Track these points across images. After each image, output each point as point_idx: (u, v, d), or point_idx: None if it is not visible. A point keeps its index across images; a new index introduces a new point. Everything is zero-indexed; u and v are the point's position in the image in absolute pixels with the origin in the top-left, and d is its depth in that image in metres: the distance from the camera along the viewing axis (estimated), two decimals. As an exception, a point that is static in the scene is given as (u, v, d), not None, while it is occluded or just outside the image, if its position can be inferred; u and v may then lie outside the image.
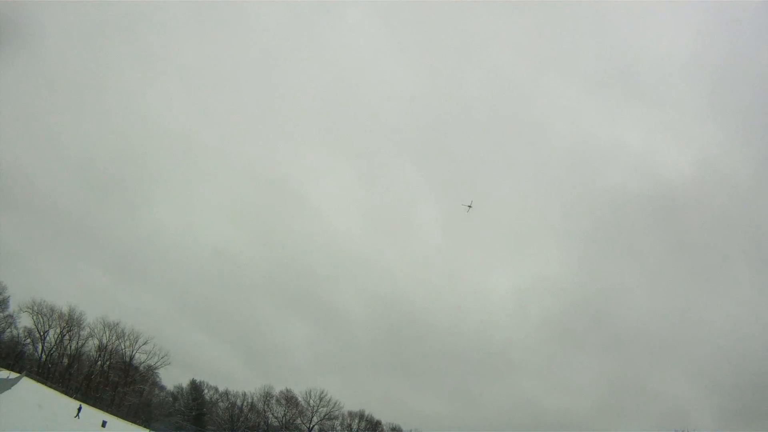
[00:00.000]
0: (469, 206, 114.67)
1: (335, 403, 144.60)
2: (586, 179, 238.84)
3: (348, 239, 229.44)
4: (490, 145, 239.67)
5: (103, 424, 64.89)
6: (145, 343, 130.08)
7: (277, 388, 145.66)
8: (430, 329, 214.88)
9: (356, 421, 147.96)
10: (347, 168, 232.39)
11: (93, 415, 71.30)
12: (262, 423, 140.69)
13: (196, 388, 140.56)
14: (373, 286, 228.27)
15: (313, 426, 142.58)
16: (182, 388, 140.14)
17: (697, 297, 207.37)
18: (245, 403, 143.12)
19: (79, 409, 66.24)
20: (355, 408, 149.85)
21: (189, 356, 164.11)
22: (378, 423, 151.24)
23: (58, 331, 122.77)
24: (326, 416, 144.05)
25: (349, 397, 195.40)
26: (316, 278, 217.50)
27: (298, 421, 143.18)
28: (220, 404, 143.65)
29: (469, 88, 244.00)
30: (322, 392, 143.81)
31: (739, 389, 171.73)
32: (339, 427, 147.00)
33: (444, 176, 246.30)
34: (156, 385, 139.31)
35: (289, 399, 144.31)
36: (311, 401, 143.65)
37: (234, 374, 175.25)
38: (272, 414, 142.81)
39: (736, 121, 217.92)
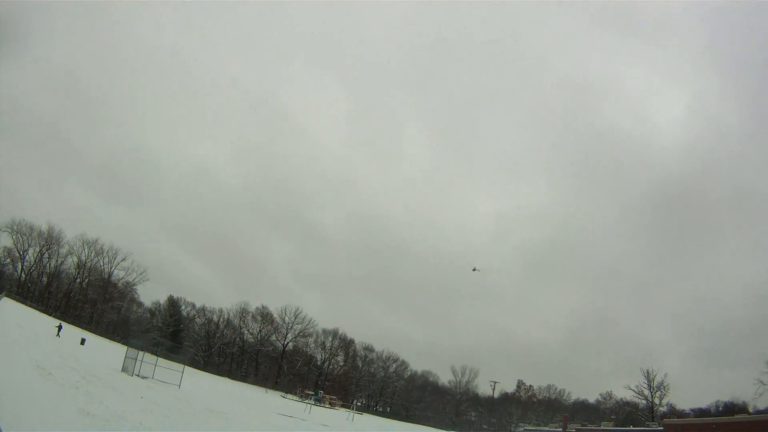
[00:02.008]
0: (475, 269, 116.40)
1: (310, 321, 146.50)
2: (580, 115, 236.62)
3: (333, 159, 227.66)
4: (486, 75, 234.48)
5: (82, 341, 66.07)
6: (123, 260, 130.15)
7: (254, 305, 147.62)
8: (411, 253, 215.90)
9: (330, 338, 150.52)
10: (335, 87, 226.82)
11: (72, 333, 74.22)
12: (238, 339, 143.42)
13: (173, 304, 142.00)
14: (356, 207, 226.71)
15: (288, 343, 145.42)
16: (160, 305, 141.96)
17: (676, 242, 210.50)
18: (222, 320, 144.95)
19: (60, 327, 67.68)
20: (330, 326, 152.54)
21: (167, 273, 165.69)
22: (351, 341, 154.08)
23: (37, 249, 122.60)
24: (300, 333, 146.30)
25: (325, 315, 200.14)
26: (299, 197, 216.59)
27: (273, 337, 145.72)
28: (197, 320, 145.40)
29: (467, 16, 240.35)
30: (298, 309, 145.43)
31: (709, 334, 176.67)
32: (313, 345, 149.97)
33: (436, 101, 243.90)
34: (134, 301, 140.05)
35: (264, 316, 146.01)
36: (286, 318, 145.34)
37: (212, 291, 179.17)
38: (248, 330, 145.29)
39: (732, 69, 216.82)
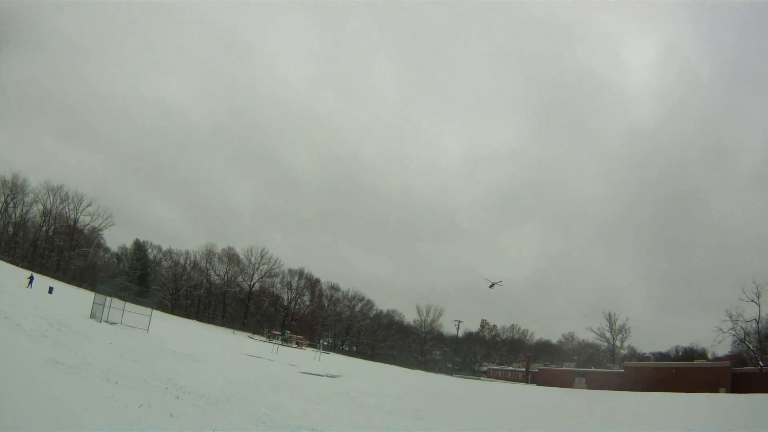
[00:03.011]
0: (493, 284, 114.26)
1: (276, 261, 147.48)
2: (552, 54, 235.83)
3: (301, 95, 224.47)
4: (458, 13, 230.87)
5: (50, 290, 65.62)
6: (89, 205, 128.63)
7: (220, 246, 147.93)
8: (378, 191, 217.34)
9: (296, 278, 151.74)
10: (304, 23, 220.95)
11: (40, 282, 73.60)
12: (205, 281, 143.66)
13: (139, 248, 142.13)
14: (324, 145, 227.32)
15: (254, 283, 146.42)
16: (126, 249, 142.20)
17: (644, 188, 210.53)
18: (188, 262, 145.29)
19: (31, 278, 67.22)
20: (296, 266, 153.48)
21: (133, 216, 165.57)
22: (317, 281, 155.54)
23: (2, 199, 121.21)
24: (267, 274, 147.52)
25: (291, 255, 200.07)
26: (266, 135, 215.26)
27: (240, 278, 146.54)
28: (164, 263, 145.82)
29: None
30: (264, 250, 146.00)
31: (672, 280, 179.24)
32: (279, 285, 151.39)
33: (407, 39, 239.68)
34: (101, 247, 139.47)
35: (231, 257, 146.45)
36: (252, 259, 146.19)
37: (178, 233, 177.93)
38: (214, 272, 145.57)
39: (706, 15, 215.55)
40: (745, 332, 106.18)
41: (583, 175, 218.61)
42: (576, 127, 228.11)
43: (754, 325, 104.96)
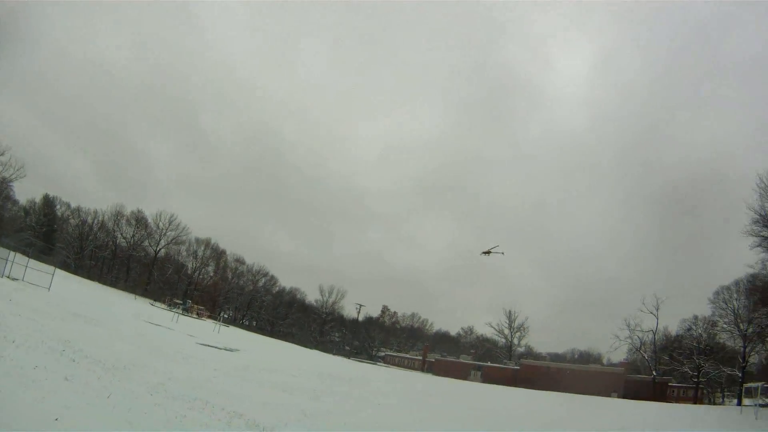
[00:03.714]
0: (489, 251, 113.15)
1: (184, 228, 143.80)
2: (482, 50, 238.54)
3: (230, 63, 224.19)
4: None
5: None
6: (1, 155, 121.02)
7: (130, 208, 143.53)
8: (295, 167, 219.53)
9: (202, 248, 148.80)
10: None
11: None
12: (111, 243, 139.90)
13: (48, 203, 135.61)
14: (246, 116, 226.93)
15: (160, 249, 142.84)
16: (35, 203, 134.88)
17: (562, 193, 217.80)
18: (96, 222, 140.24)
19: None
20: (203, 235, 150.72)
21: (46, 170, 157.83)
22: (223, 252, 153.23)
23: None
24: (173, 240, 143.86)
25: (199, 223, 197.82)
26: (189, 99, 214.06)
27: (146, 243, 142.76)
28: (72, 221, 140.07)
29: None
30: (173, 216, 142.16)
31: (575, 285, 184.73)
32: (185, 253, 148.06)
33: (341, 20, 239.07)
34: (9, 199, 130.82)
35: (139, 220, 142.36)
36: (161, 224, 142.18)
37: (89, 191, 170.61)
38: (121, 234, 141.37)
39: (642, 30, 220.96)
40: (641, 341, 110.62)
41: (500, 172, 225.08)
42: (498, 124, 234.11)
43: (650, 335, 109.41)
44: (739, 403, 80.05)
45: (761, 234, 66.68)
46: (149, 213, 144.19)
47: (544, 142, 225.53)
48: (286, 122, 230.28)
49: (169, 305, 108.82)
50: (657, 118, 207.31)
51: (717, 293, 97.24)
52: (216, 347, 47.82)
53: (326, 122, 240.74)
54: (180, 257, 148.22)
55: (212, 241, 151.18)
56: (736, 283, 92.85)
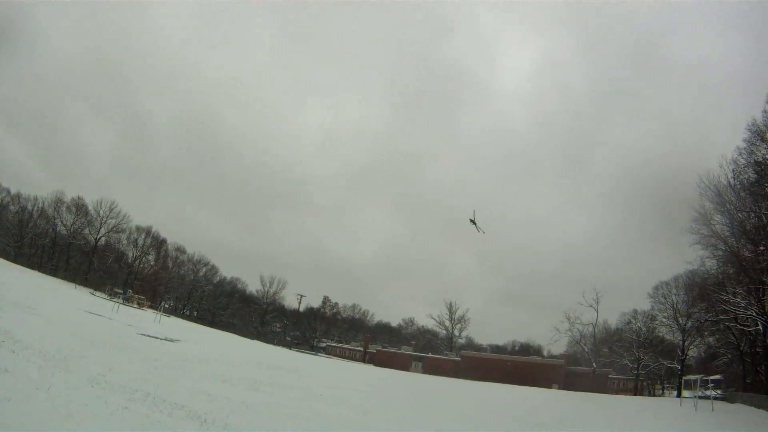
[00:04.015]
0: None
1: (125, 216, 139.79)
2: (429, 43, 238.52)
3: (172, 46, 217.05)
4: None
5: None
6: None
7: (70, 195, 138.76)
8: (236, 154, 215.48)
9: (143, 236, 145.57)
10: None
11: None
12: (51, 230, 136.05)
13: None
14: (188, 101, 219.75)
15: (100, 237, 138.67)
16: None
17: (500, 188, 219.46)
18: (36, 209, 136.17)
19: None
20: (144, 223, 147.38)
21: None
22: (164, 241, 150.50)
23: None
24: (114, 228, 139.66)
25: (140, 211, 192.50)
26: (129, 82, 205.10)
27: (86, 231, 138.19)
28: (11, 208, 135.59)
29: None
30: (113, 203, 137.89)
31: (516, 278, 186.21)
32: (125, 241, 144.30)
33: (290, 5, 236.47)
34: None
35: (79, 207, 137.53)
36: (101, 211, 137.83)
37: (30, 176, 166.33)
38: (61, 222, 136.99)
39: (587, 34, 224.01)
40: (581, 334, 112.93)
41: (441, 165, 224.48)
42: (441, 118, 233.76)
43: (590, 328, 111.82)
44: (679, 395, 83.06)
45: (700, 232, 68.98)
46: (90, 200, 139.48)
47: (486, 138, 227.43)
48: (228, 108, 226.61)
49: (110, 295, 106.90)
50: (599, 117, 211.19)
51: (656, 288, 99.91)
52: (157, 338, 47.49)
53: (269, 108, 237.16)
54: (121, 246, 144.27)
55: (153, 230, 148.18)
56: (676, 279, 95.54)
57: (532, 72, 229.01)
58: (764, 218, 56.83)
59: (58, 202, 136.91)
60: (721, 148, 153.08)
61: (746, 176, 61.14)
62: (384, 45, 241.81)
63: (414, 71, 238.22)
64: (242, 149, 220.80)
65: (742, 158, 60.15)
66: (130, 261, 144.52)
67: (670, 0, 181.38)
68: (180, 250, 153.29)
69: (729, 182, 64.13)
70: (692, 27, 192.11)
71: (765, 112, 51.99)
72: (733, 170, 62.83)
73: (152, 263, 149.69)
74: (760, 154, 54.88)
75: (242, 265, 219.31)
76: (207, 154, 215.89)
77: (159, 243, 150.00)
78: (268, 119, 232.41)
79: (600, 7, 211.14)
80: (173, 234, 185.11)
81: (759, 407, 52.13)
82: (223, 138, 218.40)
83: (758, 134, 53.85)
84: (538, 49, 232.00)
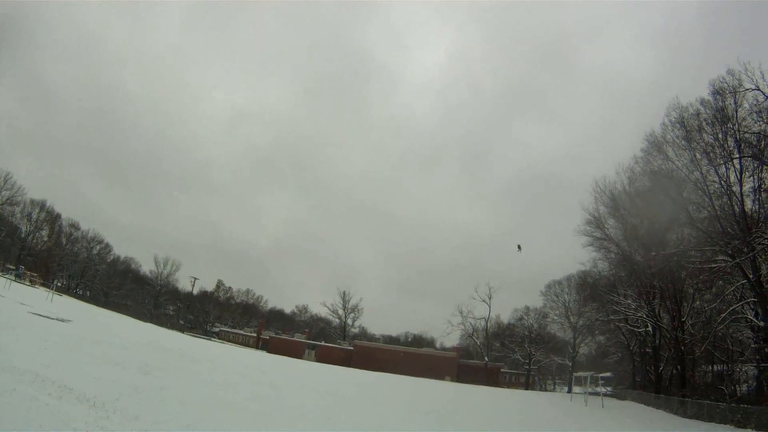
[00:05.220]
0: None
1: (19, 188, 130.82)
2: (340, 29, 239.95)
3: (74, 11, 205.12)
4: None
5: None
6: None
7: None
8: (138, 128, 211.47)
9: (37, 210, 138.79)
10: None
11: None
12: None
13: None
14: (94, 69, 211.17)
15: None
16: None
17: (398, 175, 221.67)
18: None
19: None
20: (39, 197, 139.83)
21: None
22: (58, 216, 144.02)
23: None
24: (7, 201, 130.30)
25: (35, 184, 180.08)
26: (31, 46, 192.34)
27: None
28: None
29: None
30: (8, 174, 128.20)
31: (407, 268, 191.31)
32: (19, 215, 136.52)
33: None
34: None
35: None
36: None
37: None
38: None
39: (498, 33, 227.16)
40: (473, 328, 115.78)
41: (345, 153, 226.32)
42: (348, 105, 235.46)
43: (483, 323, 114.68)
44: (570, 391, 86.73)
45: (593, 234, 72.20)
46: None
47: (392, 129, 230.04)
48: (132, 79, 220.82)
49: (2, 271, 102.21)
50: (504, 117, 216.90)
51: (549, 287, 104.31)
52: (48, 317, 45.92)
53: (173, 82, 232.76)
54: (14, 219, 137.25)
55: (48, 204, 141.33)
56: (568, 278, 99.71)
57: (443, 66, 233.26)
58: (656, 225, 59.81)
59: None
60: (621, 153, 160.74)
61: (642, 184, 64.29)
62: (295, 28, 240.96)
63: (323, 57, 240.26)
64: (142, 123, 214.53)
65: (638, 166, 63.16)
66: (23, 236, 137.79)
67: (583, 5, 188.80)
68: (74, 226, 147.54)
69: (624, 189, 67.47)
70: (603, 34, 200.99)
71: (663, 125, 54.72)
72: (629, 177, 66.11)
73: (45, 239, 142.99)
74: (656, 164, 57.62)
75: (137, 244, 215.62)
76: (110, 124, 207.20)
77: (53, 218, 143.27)
78: (173, 94, 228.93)
79: (512, 7, 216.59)
80: (69, 209, 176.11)
81: (648, 404, 55.37)
82: (128, 109, 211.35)
83: (656, 145, 56.48)
84: (451, 44, 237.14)
